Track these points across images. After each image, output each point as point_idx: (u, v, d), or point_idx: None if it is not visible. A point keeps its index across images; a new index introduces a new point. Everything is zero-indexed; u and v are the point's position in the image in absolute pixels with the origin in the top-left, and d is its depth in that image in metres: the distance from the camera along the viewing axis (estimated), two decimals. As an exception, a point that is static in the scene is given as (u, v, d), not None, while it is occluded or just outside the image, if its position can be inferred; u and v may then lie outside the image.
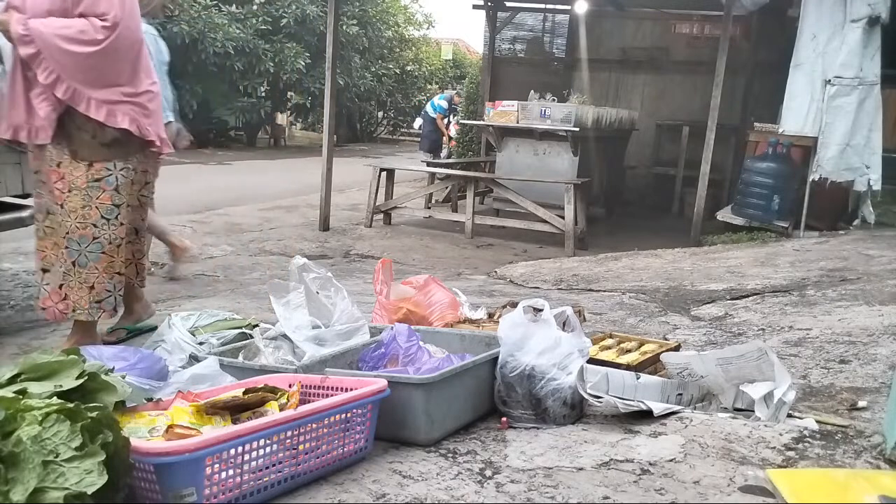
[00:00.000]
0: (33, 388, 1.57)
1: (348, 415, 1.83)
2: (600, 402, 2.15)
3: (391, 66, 23.48)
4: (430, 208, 8.30)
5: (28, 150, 2.90)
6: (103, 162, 2.79)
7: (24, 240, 5.14)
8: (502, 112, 7.81)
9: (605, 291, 4.55)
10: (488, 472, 1.85)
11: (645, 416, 2.17)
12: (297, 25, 17.52)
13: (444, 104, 12.65)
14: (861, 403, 2.31)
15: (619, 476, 1.82)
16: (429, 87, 27.02)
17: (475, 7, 11.37)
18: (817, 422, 2.15)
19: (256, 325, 2.72)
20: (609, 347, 2.73)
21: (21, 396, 1.50)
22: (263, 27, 16.87)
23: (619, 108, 8.95)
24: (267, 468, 1.65)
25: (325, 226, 7.37)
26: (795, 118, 6.27)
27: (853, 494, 1.70)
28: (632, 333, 3.10)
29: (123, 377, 1.80)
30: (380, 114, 26.48)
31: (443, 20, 64.35)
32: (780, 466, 1.86)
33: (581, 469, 1.86)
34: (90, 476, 1.36)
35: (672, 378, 2.35)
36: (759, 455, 1.92)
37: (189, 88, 15.80)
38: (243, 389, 1.88)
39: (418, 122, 12.92)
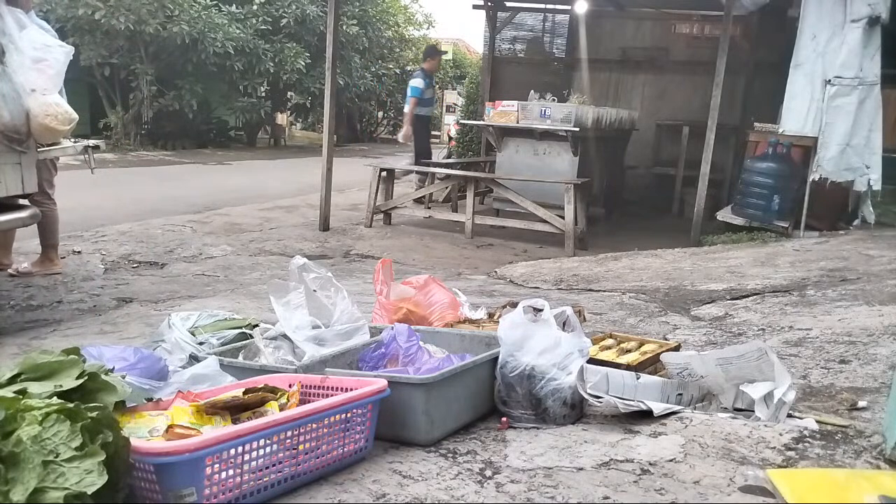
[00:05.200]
0: (33, 388, 1.57)
1: (348, 415, 1.83)
2: (600, 402, 2.15)
3: (391, 66, 23.46)
4: (429, 208, 8.30)
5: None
6: None
7: (24, 240, 5.15)
8: (502, 112, 7.80)
9: (605, 291, 4.55)
10: (488, 472, 1.85)
11: (645, 416, 2.17)
12: (297, 25, 17.52)
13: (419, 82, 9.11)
14: (861, 403, 2.31)
15: (619, 476, 1.82)
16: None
17: (475, 7, 11.36)
18: (817, 422, 2.15)
19: (256, 325, 2.72)
20: (609, 347, 2.74)
21: (21, 396, 1.50)
22: (263, 27, 16.87)
23: (619, 108, 8.93)
24: (267, 468, 1.65)
25: (325, 226, 7.36)
26: (795, 118, 6.26)
27: (853, 494, 1.70)
28: (632, 333, 3.10)
29: (123, 377, 1.80)
30: (380, 114, 26.47)
31: (443, 20, 64.33)
32: (780, 466, 1.86)
33: (581, 469, 1.86)
34: (90, 476, 1.36)
35: (672, 378, 2.35)
36: (759, 455, 1.92)
37: (189, 88, 15.80)
38: (243, 389, 1.88)
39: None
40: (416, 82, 9.07)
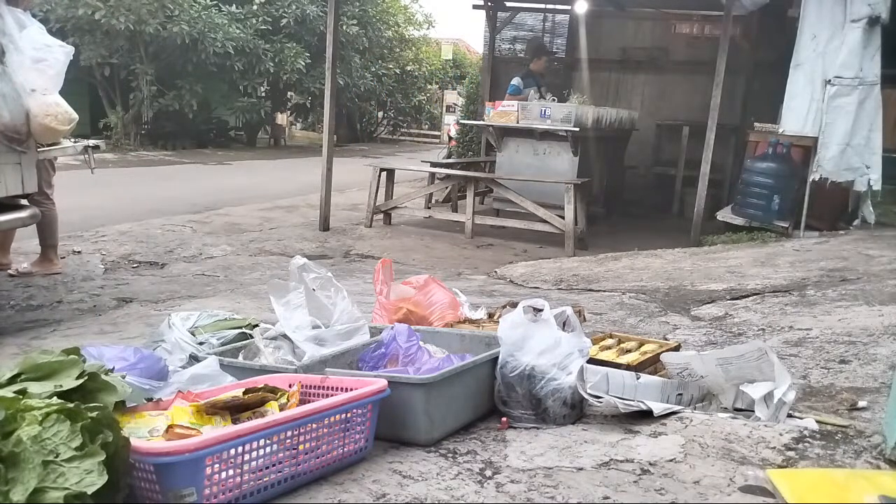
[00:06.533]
0: (33, 388, 1.57)
1: (348, 415, 1.83)
2: (600, 402, 2.15)
3: (391, 66, 23.47)
4: (430, 208, 8.30)
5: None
6: None
7: (24, 240, 5.16)
8: (502, 112, 7.80)
9: (605, 291, 4.55)
10: (488, 472, 1.85)
11: (645, 416, 2.17)
12: (297, 25, 17.52)
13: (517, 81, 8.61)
14: (861, 403, 2.31)
15: (619, 476, 1.82)
16: (429, 87, 27.02)
17: (475, 7, 11.36)
18: (817, 422, 2.15)
19: (256, 325, 2.72)
20: (609, 347, 2.73)
21: (21, 396, 1.50)
22: (263, 27, 16.87)
23: (619, 108, 8.93)
24: (267, 468, 1.65)
25: (325, 226, 7.36)
26: (795, 118, 6.26)
27: (853, 494, 1.70)
28: (632, 333, 3.10)
29: (123, 377, 1.80)
30: (380, 114, 26.48)
31: (443, 20, 64.36)
32: (780, 466, 1.86)
33: (581, 469, 1.86)
34: (90, 476, 1.36)
35: (672, 378, 2.35)
36: (759, 455, 1.92)
37: (189, 88, 15.80)
38: (243, 389, 1.88)
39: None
40: (515, 80, 8.62)
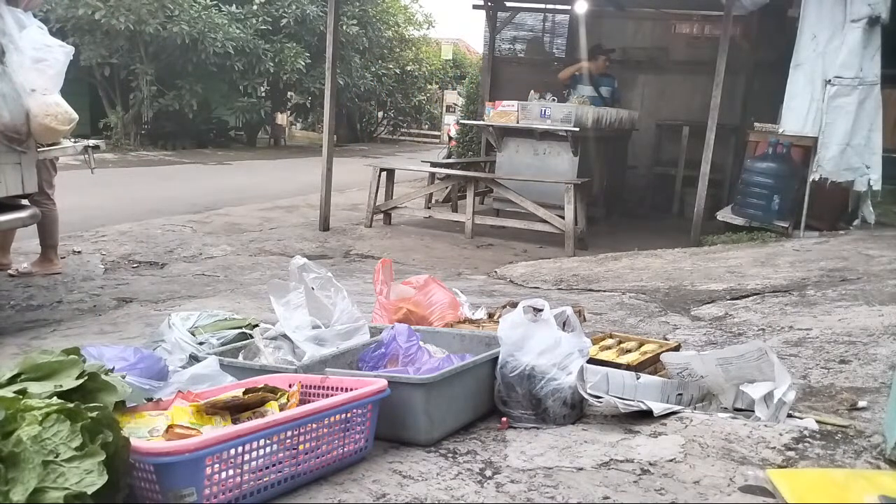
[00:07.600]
0: (33, 388, 1.57)
1: (348, 415, 1.83)
2: (600, 402, 2.15)
3: (391, 66, 23.48)
4: (430, 208, 8.30)
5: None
6: None
7: (24, 240, 5.16)
8: (502, 112, 7.80)
9: (605, 291, 4.55)
10: (488, 472, 1.85)
11: (645, 416, 2.17)
12: (297, 25, 17.52)
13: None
14: (861, 403, 2.31)
15: (619, 476, 1.82)
16: (429, 87, 27.03)
17: (475, 7, 11.36)
18: (817, 422, 2.15)
19: (256, 325, 2.72)
20: (609, 347, 2.73)
21: (21, 396, 1.50)
22: (263, 27, 16.87)
23: (619, 108, 8.93)
24: (267, 468, 1.65)
25: (325, 226, 7.36)
26: (795, 118, 6.26)
27: (853, 494, 1.70)
28: (632, 333, 3.10)
29: (123, 377, 1.80)
30: (380, 114, 26.48)
31: (443, 20, 64.38)
32: (780, 466, 1.86)
33: (581, 469, 1.86)
34: (90, 476, 1.36)
35: (672, 378, 2.35)
36: (759, 455, 1.92)
37: (189, 88, 15.80)
38: (243, 389, 1.88)
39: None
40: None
